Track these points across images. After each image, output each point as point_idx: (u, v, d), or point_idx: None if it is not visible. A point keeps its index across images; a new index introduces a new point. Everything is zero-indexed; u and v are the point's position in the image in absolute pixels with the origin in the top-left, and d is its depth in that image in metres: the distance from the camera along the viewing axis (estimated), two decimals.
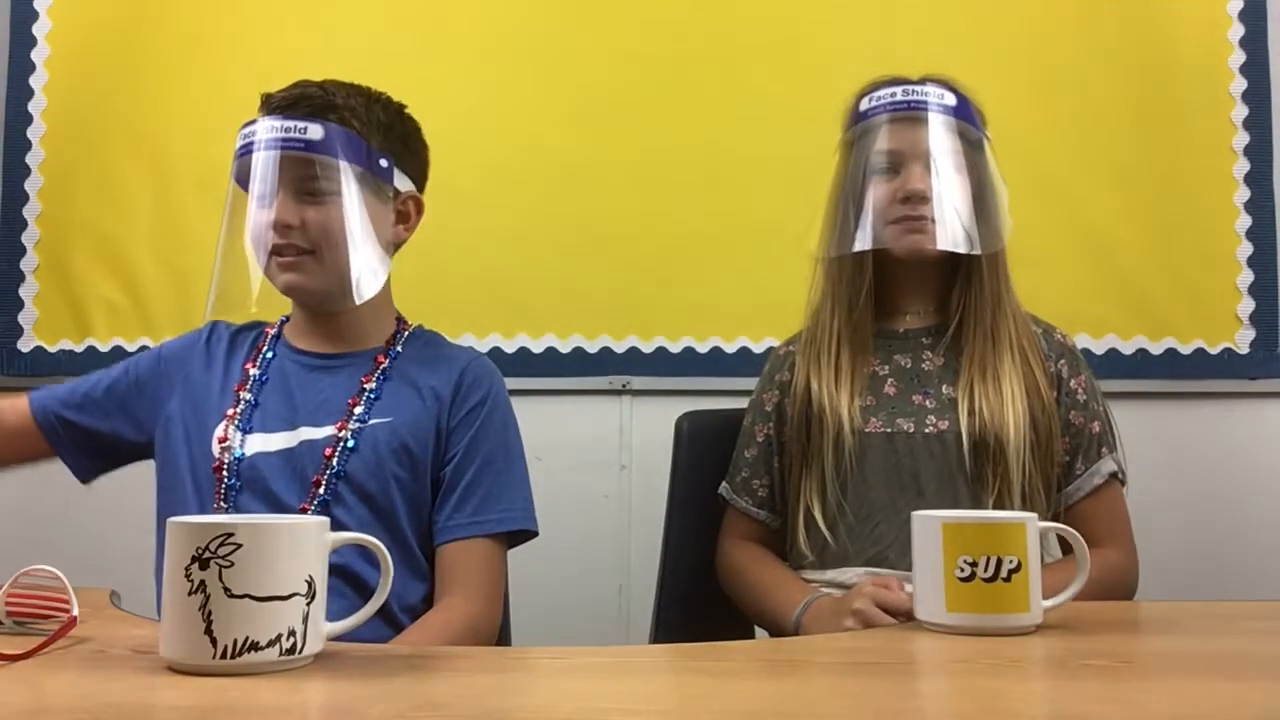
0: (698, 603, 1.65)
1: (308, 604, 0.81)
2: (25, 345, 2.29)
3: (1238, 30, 2.22)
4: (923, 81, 1.47)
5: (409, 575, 1.33)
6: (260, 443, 1.34)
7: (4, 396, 1.44)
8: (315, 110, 1.33)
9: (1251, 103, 2.20)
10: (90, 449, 1.44)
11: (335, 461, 1.31)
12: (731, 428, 1.74)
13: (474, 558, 1.34)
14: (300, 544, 0.82)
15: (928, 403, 1.47)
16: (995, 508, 1.40)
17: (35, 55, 2.34)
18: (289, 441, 1.34)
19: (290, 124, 1.31)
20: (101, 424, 1.43)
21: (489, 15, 2.29)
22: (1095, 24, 2.22)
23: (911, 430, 1.45)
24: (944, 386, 1.48)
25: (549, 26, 2.29)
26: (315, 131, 1.31)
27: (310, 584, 0.82)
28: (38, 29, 2.34)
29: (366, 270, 1.33)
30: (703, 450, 1.72)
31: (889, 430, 1.45)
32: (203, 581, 0.79)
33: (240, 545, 0.79)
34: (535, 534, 1.39)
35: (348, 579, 1.28)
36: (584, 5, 2.29)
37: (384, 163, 1.38)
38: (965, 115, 1.46)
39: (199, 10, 2.33)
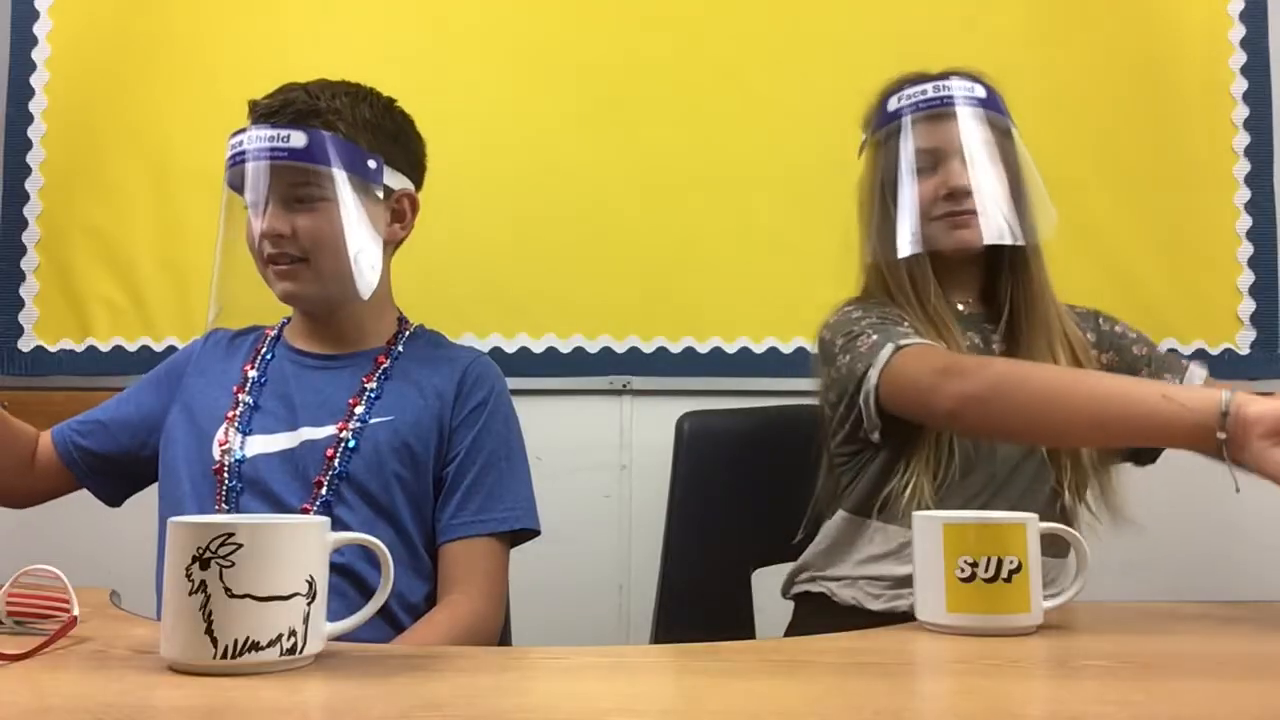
0: (698, 603, 1.65)
1: (308, 604, 0.81)
2: (25, 345, 2.28)
3: (1238, 31, 2.22)
4: (948, 75, 1.47)
5: (412, 574, 1.33)
6: (261, 444, 1.34)
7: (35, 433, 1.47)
8: (299, 116, 1.33)
9: (1252, 103, 2.21)
10: (109, 472, 1.46)
11: (337, 462, 1.31)
12: (732, 428, 1.76)
13: (477, 556, 1.34)
14: (301, 544, 0.82)
15: None
16: (1064, 486, 1.43)
17: (36, 55, 2.32)
18: (290, 442, 1.34)
19: (274, 132, 1.31)
20: (113, 446, 1.45)
21: (491, 16, 2.29)
22: (1095, 24, 2.23)
23: None
24: None
25: (551, 27, 2.28)
26: (298, 139, 1.31)
27: (311, 584, 0.82)
28: (38, 29, 2.33)
29: (362, 272, 1.33)
30: (703, 450, 1.73)
31: None
32: (203, 581, 0.79)
33: (241, 545, 0.79)
34: (538, 532, 1.39)
35: (350, 578, 1.28)
36: (585, 6, 2.29)
37: (372, 163, 1.37)
38: (995, 105, 1.47)
39: (200, 10, 2.31)
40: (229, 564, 0.78)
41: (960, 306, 1.54)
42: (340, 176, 1.33)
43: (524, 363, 2.21)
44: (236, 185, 1.35)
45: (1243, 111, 2.21)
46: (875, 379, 1.36)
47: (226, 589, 0.78)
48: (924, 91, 1.46)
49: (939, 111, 1.45)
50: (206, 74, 2.30)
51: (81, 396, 2.21)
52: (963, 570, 0.99)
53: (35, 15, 2.33)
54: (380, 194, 1.39)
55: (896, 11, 2.25)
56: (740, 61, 2.26)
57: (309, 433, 1.34)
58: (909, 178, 1.46)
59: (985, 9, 2.25)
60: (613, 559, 2.18)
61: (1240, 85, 2.21)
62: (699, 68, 2.26)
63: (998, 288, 1.53)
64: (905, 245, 1.45)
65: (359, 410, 1.35)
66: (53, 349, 2.28)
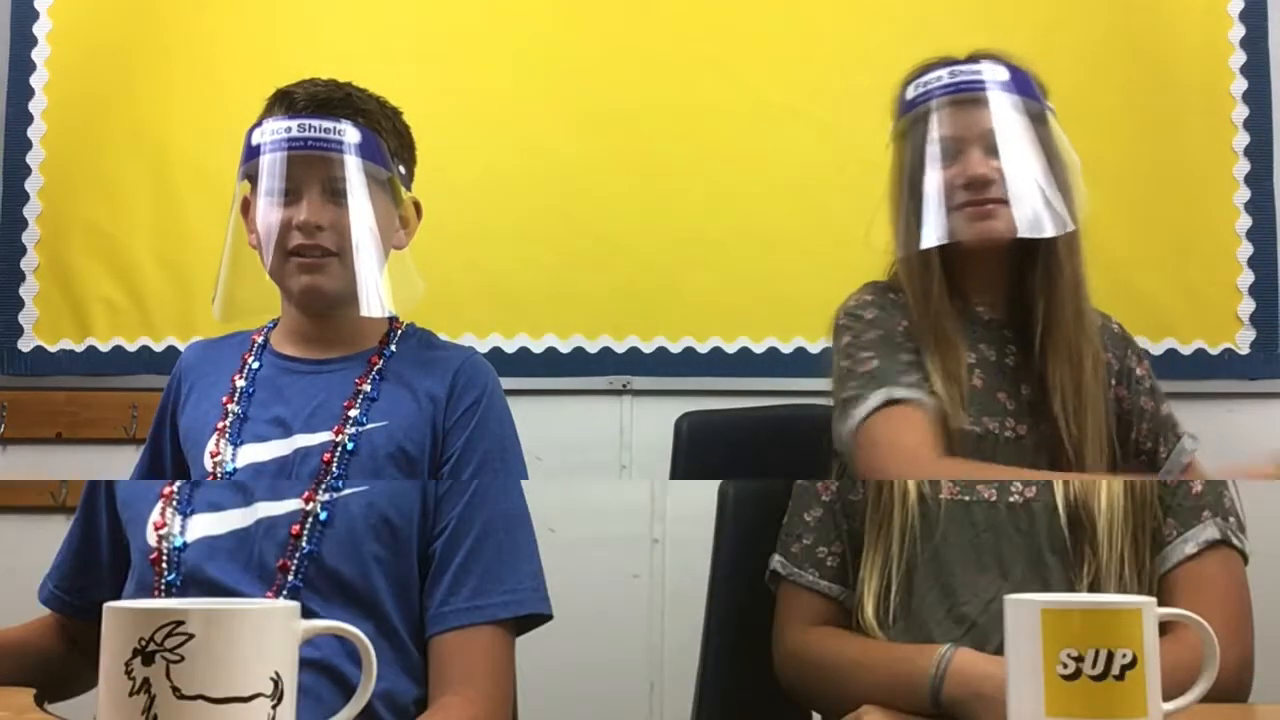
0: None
1: (273, 706, 0.66)
2: (25, 345, 2.22)
3: (1238, 31, 2.17)
4: (973, 58, 1.31)
5: (399, 668, 1.14)
6: (253, 453, 1.22)
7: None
8: (349, 112, 1.25)
9: (1252, 103, 2.16)
10: None
11: (335, 465, 1.19)
12: (732, 427, 1.70)
13: (475, 649, 1.13)
14: (264, 634, 0.66)
15: (1009, 404, 1.28)
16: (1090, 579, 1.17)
17: (36, 55, 2.27)
18: (283, 449, 1.22)
19: (329, 124, 1.22)
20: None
21: (490, 16, 2.24)
22: (1095, 24, 2.17)
23: (994, 499, 1.21)
24: (1022, 387, 1.29)
25: (550, 27, 2.23)
26: (353, 134, 1.23)
27: (277, 682, 0.66)
28: (38, 29, 2.27)
29: (383, 277, 1.25)
30: (703, 451, 1.65)
31: (967, 499, 1.22)
32: (147, 679, 0.64)
33: (192, 636, 0.63)
34: (549, 617, 1.16)
35: (328, 675, 1.08)
36: (584, 6, 2.24)
37: (403, 169, 1.31)
38: (1022, 88, 1.29)
39: (199, 10, 2.26)
40: (177, 659, 0.63)
41: (980, 309, 1.35)
42: (382, 176, 1.26)
43: (524, 363, 2.16)
44: (269, 173, 1.24)
45: (1243, 111, 2.15)
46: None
47: (174, 689, 0.63)
48: (939, 78, 1.29)
49: (956, 98, 1.29)
50: (206, 74, 2.24)
51: (81, 396, 2.23)
52: (1065, 666, 0.81)
53: (35, 15, 2.29)
54: (401, 200, 1.33)
55: (894, 12, 2.21)
56: (740, 61, 2.21)
57: (303, 440, 1.22)
58: (926, 168, 1.29)
59: (984, 8, 2.19)
60: (612, 558, 2.12)
61: (1240, 85, 2.16)
62: (699, 67, 2.20)
63: (1025, 293, 1.34)
64: (915, 241, 1.29)
65: (353, 414, 1.23)
66: (53, 349, 2.23)
